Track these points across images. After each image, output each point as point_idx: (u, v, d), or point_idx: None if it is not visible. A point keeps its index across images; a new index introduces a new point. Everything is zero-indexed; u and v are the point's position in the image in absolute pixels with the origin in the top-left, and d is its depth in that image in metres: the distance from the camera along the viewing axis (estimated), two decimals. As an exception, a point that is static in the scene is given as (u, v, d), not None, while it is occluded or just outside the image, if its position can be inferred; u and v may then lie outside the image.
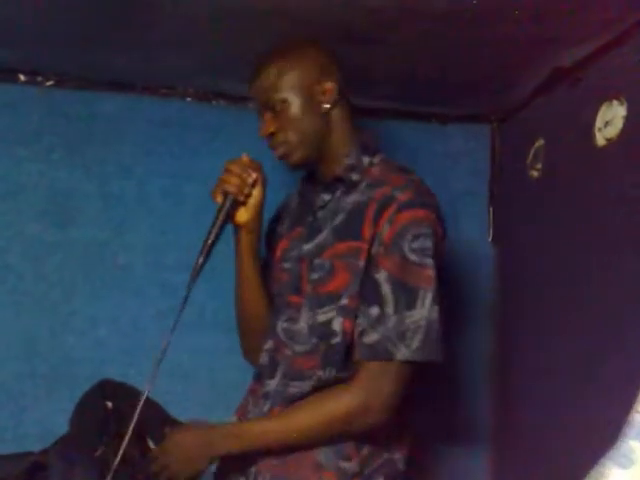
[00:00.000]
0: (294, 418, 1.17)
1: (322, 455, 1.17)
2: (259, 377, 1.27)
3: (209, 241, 1.22)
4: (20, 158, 1.66)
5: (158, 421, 1.20)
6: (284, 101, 1.23)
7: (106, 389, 1.19)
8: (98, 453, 1.16)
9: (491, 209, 1.86)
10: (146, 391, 1.15)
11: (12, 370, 1.61)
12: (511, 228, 1.80)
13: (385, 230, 1.17)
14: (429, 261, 1.17)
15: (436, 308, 1.16)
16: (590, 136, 1.42)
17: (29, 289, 1.64)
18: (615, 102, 1.37)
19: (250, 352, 1.37)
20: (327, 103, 1.25)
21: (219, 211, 1.24)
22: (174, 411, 1.51)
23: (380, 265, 1.17)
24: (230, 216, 1.25)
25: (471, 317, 1.84)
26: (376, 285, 1.16)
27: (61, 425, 1.26)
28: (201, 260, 1.21)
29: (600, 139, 1.41)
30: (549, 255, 1.60)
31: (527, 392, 1.65)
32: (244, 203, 1.25)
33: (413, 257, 1.16)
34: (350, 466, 1.16)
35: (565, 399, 1.47)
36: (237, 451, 1.18)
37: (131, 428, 1.11)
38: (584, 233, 1.46)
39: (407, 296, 1.15)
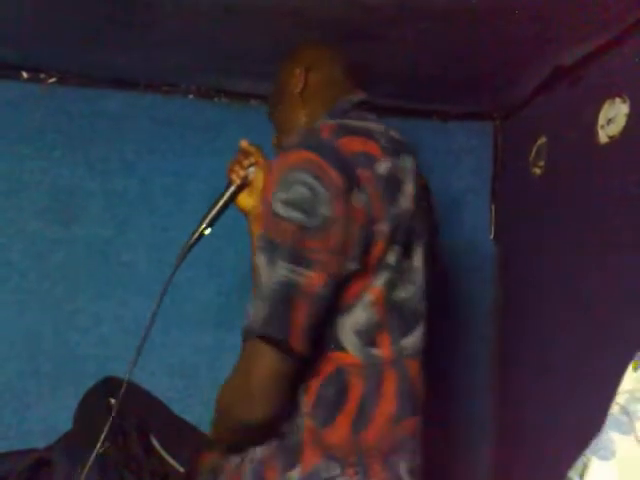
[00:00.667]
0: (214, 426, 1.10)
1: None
2: None
3: (203, 224, 1.22)
4: (23, 155, 1.66)
5: (161, 419, 1.20)
6: (277, 98, 1.28)
7: (110, 386, 1.19)
8: (101, 450, 1.17)
9: (493, 206, 1.87)
10: (127, 375, 1.13)
11: (16, 368, 1.61)
12: (513, 226, 1.80)
13: (266, 183, 1.02)
14: (296, 215, 0.95)
15: (290, 273, 0.95)
16: (592, 134, 1.42)
17: (32, 287, 1.64)
18: (618, 100, 1.37)
19: None
20: (297, 87, 1.22)
21: (219, 195, 1.25)
22: (176, 408, 1.52)
23: (260, 227, 1.00)
24: (232, 201, 1.25)
25: (472, 315, 1.84)
26: (257, 251, 0.99)
27: (65, 422, 1.27)
28: (191, 242, 1.21)
29: (602, 137, 1.41)
30: (551, 253, 1.60)
31: (528, 391, 1.66)
32: (244, 187, 1.24)
33: (280, 210, 0.96)
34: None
35: (566, 398, 1.47)
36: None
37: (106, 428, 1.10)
38: (586, 231, 1.46)
39: (267, 255, 0.96)
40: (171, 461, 1.28)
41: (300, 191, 0.96)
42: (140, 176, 1.71)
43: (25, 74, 1.66)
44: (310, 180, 0.96)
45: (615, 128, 1.37)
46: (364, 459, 1.02)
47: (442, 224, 1.72)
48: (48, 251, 1.66)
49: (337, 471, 1.01)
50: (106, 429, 1.09)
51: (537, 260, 1.66)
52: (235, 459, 1.07)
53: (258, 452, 1.04)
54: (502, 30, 1.41)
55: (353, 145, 1.02)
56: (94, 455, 1.08)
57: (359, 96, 1.22)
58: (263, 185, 1.09)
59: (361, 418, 1.02)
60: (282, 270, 0.95)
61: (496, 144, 1.87)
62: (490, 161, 1.87)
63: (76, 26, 1.44)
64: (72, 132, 1.69)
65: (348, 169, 0.99)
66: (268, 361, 0.97)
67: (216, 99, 1.75)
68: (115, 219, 1.69)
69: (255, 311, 0.97)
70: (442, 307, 1.78)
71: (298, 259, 0.96)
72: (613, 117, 1.38)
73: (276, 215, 0.97)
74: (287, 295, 0.95)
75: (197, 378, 1.68)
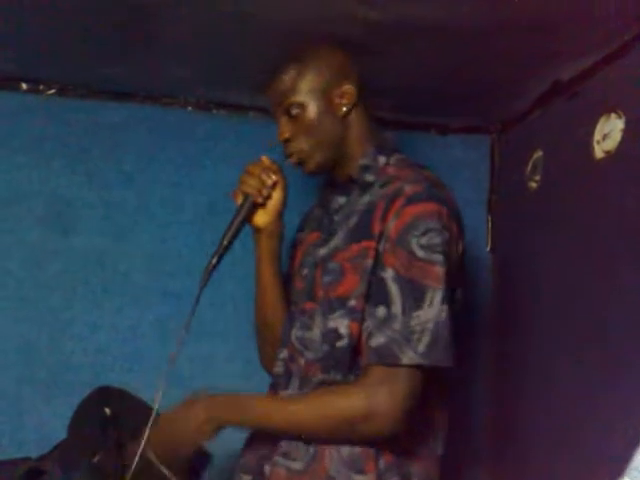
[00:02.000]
0: (296, 404, 1.12)
1: (333, 467, 1.11)
2: (275, 387, 1.23)
3: (225, 241, 1.20)
4: (21, 165, 1.67)
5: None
6: (301, 105, 1.20)
7: (105, 395, 1.19)
8: (96, 459, 1.16)
9: (490, 219, 1.87)
10: (156, 405, 1.15)
11: (11, 376, 1.61)
12: (510, 238, 1.81)
13: (392, 225, 1.11)
14: (438, 258, 1.09)
15: (445, 308, 1.08)
16: (588, 149, 1.44)
17: (29, 295, 1.64)
18: (613, 115, 1.38)
19: (266, 359, 1.32)
20: (345, 106, 1.21)
21: (238, 212, 1.22)
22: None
23: (386, 263, 1.10)
24: (248, 218, 1.23)
25: (469, 326, 1.85)
26: (383, 284, 1.10)
27: (60, 431, 1.26)
28: (215, 260, 1.19)
29: (598, 152, 1.42)
30: (547, 265, 1.60)
31: (525, 402, 1.66)
32: (263, 205, 1.23)
33: (421, 253, 1.09)
34: (364, 479, 1.10)
35: (563, 407, 1.48)
36: (236, 423, 1.13)
37: (142, 445, 1.10)
38: (582, 244, 1.47)
39: (414, 295, 1.08)
40: (166, 472, 1.28)
41: (436, 238, 1.11)
42: (138, 187, 1.72)
43: (25, 85, 1.68)
44: (440, 228, 1.11)
45: (611, 143, 1.38)
46: None
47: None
48: (45, 260, 1.66)
49: None
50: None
51: (533, 272, 1.67)
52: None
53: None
54: (500, 46, 1.42)
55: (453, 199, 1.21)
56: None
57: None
58: (393, 228, 1.12)
59: None
60: (442, 308, 1.09)
61: (493, 157, 1.88)
62: (487, 174, 1.88)
63: (76, 38, 1.45)
64: (71, 143, 1.70)
65: (460, 220, 1.21)
66: (419, 386, 1.09)
67: (215, 111, 1.76)
68: (112, 229, 1.69)
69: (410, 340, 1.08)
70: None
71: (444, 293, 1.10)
72: (609, 132, 1.39)
73: (416, 257, 1.10)
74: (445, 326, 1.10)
75: (192, 388, 1.67)
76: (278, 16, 1.31)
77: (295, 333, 1.20)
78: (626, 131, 1.35)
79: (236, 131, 1.74)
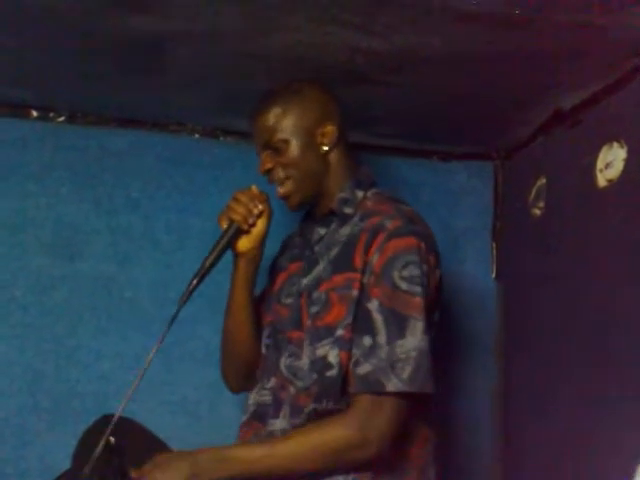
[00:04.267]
0: (282, 446, 1.15)
1: None
2: (262, 416, 1.26)
3: (207, 263, 1.25)
4: (29, 192, 1.68)
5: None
6: (284, 141, 1.28)
7: (109, 424, 1.19)
8: (101, 490, 1.16)
9: (494, 246, 1.88)
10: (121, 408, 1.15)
11: (15, 404, 1.61)
12: (514, 265, 1.81)
13: (375, 259, 1.19)
14: (418, 289, 1.17)
15: (426, 338, 1.16)
16: (591, 177, 1.45)
17: (34, 322, 1.65)
18: (615, 144, 1.39)
19: (229, 376, 1.41)
20: (327, 145, 1.29)
21: (222, 236, 1.27)
22: (177, 447, 1.50)
23: (371, 294, 1.18)
24: (232, 243, 1.29)
25: (474, 353, 1.84)
26: (368, 314, 1.17)
27: (63, 460, 1.25)
28: (195, 282, 1.24)
29: (601, 180, 1.43)
30: (551, 292, 1.60)
31: (530, 428, 1.65)
32: (248, 232, 1.28)
33: (403, 285, 1.17)
34: None
35: (568, 433, 1.47)
36: (225, 477, 1.14)
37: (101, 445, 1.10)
38: (586, 271, 1.47)
39: (397, 325, 1.15)
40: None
41: (415, 270, 1.18)
42: (144, 213, 1.73)
43: (35, 113, 1.70)
44: (419, 261, 1.18)
45: (613, 172, 1.39)
46: None
47: (444, 263, 1.75)
48: (51, 287, 1.66)
49: None
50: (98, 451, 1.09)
51: (538, 299, 1.67)
52: None
53: None
54: (502, 75, 1.44)
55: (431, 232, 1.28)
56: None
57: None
58: (377, 261, 1.19)
59: None
60: (424, 337, 1.16)
61: (497, 184, 1.89)
62: (491, 201, 1.88)
63: (87, 66, 1.48)
64: (79, 169, 1.71)
65: (436, 251, 1.26)
66: (405, 410, 1.15)
67: (222, 138, 1.78)
68: (118, 255, 1.70)
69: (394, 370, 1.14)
70: (444, 345, 1.78)
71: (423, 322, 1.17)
72: (611, 161, 1.40)
73: (399, 289, 1.16)
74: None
75: (198, 416, 1.67)
76: (281, 47, 1.34)
77: (284, 362, 1.25)
78: (628, 160, 1.36)
79: (242, 158, 1.75)
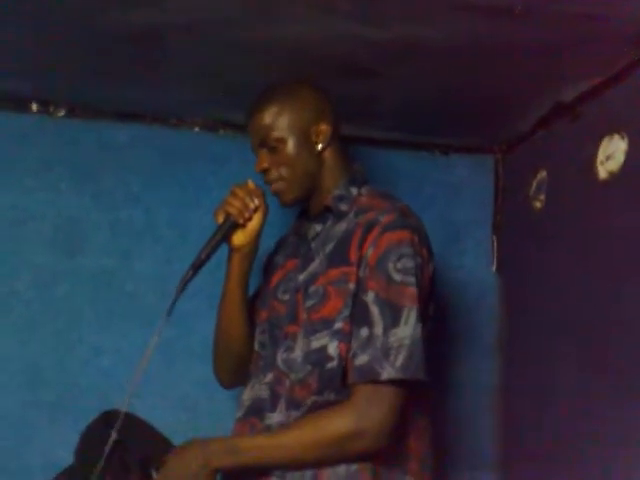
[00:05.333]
0: (287, 436, 1.18)
1: None
2: (258, 411, 1.27)
3: (202, 255, 1.27)
4: (30, 187, 1.68)
5: (164, 454, 1.20)
6: (280, 140, 1.30)
7: (112, 419, 1.19)
8: (103, 484, 1.16)
9: (495, 239, 1.88)
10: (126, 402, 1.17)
11: (16, 399, 1.61)
12: (515, 258, 1.81)
13: (370, 252, 1.21)
14: (412, 280, 1.20)
15: (420, 326, 1.19)
16: (592, 169, 1.44)
17: (36, 317, 1.65)
18: (616, 136, 1.39)
19: (221, 372, 1.43)
20: (321, 144, 1.31)
21: (218, 230, 1.29)
22: (177, 441, 1.50)
23: (367, 287, 1.20)
24: (227, 237, 1.30)
25: (475, 346, 1.84)
26: (365, 307, 1.20)
27: (66, 455, 1.26)
28: (190, 273, 1.26)
29: (602, 172, 1.43)
30: (552, 285, 1.60)
31: (531, 421, 1.65)
32: (243, 226, 1.30)
33: (397, 277, 1.20)
34: None
35: (569, 427, 1.47)
36: (234, 465, 1.19)
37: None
38: (587, 263, 1.47)
39: (392, 315, 1.18)
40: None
41: (409, 262, 1.20)
42: (145, 207, 1.72)
43: (35, 107, 1.69)
44: (413, 253, 1.21)
45: (614, 164, 1.39)
46: None
47: (444, 256, 1.75)
48: (52, 282, 1.66)
49: None
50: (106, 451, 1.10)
51: (539, 291, 1.67)
52: None
53: None
54: (503, 67, 1.44)
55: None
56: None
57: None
58: (372, 255, 1.21)
59: None
60: (417, 326, 1.18)
61: (497, 177, 1.89)
62: (491, 194, 1.88)
63: (87, 60, 1.47)
64: (79, 164, 1.71)
65: (429, 244, 1.28)
66: (402, 399, 1.17)
67: (221, 131, 1.78)
68: (119, 249, 1.70)
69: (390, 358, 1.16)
70: (444, 338, 1.79)
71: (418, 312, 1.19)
72: (612, 153, 1.40)
73: (393, 281, 1.19)
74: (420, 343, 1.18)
75: (199, 411, 1.67)
76: (281, 39, 1.34)
77: (280, 356, 1.26)
78: (629, 152, 1.36)
79: (243, 151, 1.73)
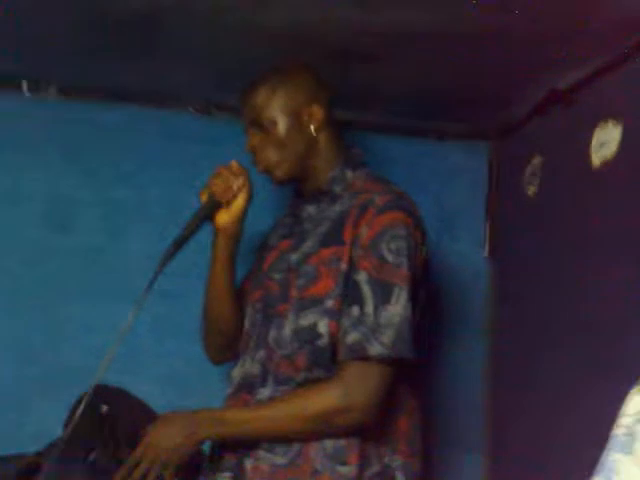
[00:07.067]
0: (274, 408, 1.20)
1: (319, 461, 1.18)
2: (250, 387, 1.28)
3: (185, 233, 1.28)
4: (21, 166, 1.67)
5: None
6: (272, 120, 1.30)
7: (102, 393, 1.20)
8: (92, 457, 1.17)
9: (488, 224, 1.88)
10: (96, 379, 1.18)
11: (7, 374, 1.61)
12: (507, 243, 1.82)
13: (364, 233, 1.22)
14: (404, 260, 1.21)
15: (409, 306, 1.20)
16: (586, 156, 1.45)
17: (26, 293, 1.65)
18: (610, 124, 1.39)
19: (212, 349, 1.44)
20: (313, 125, 1.31)
21: (200, 208, 1.30)
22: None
23: (360, 266, 1.21)
24: (211, 216, 1.31)
25: (466, 332, 1.85)
26: (356, 286, 1.21)
27: (57, 428, 1.27)
28: (172, 250, 1.27)
29: (595, 159, 1.43)
30: (545, 271, 1.61)
31: (521, 407, 1.66)
32: (227, 206, 1.31)
33: (390, 257, 1.21)
34: (347, 470, 1.18)
35: (560, 414, 1.48)
36: (219, 436, 1.21)
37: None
38: (579, 250, 1.48)
39: (383, 293, 1.19)
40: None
41: (403, 244, 1.21)
42: (137, 186, 1.72)
43: (26, 86, 1.68)
44: (406, 235, 1.22)
45: (608, 151, 1.40)
46: None
47: (438, 241, 1.75)
48: (44, 259, 1.66)
49: None
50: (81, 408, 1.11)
51: (531, 277, 1.67)
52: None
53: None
54: (498, 53, 1.44)
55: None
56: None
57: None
58: (366, 235, 1.22)
59: None
60: (407, 305, 1.19)
61: (491, 163, 1.89)
62: (485, 179, 1.88)
63: (79, 39, 1.46)
64: (71, 143, 1.70)
65: (423, 228, 1.29)
66: (391, 377, 1.18)
67: (215, 113, 1.77)
68: (111, 228, 1.70)
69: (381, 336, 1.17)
70: (435, 324, 1.79)
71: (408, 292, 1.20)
72: (606, 140, 1.40)
73: (386, 261, 1.19)
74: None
75: (189, 388, 1.67)
76: (278, 22, 1.33)
77: (271, 334, 1.27)
78: (623, 139, 1.36)
79: (235, 134, 1.72)
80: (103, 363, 1.17)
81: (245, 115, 1.34)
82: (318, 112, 1.31)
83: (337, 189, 1.30)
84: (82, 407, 1.09)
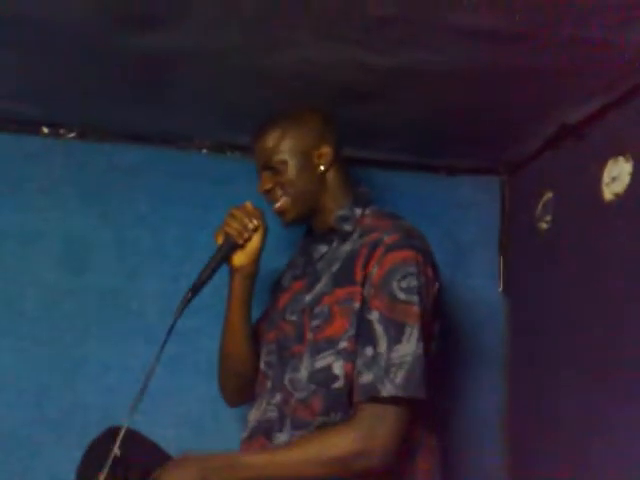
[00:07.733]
0: (289, 454, 1.17)
1: None
2: (267, 431, 1.27)
3: (202, 276, 1.30)
4: (39, 207, 1.70)
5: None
6: (283, 162, 1.34)
7: (115, 436, 1.19)
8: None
9: (501, 259, 1.87)
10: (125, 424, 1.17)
11: (22, 416, 1.61)
12: (521, 278, 1.81)
13: (374, 272, 1.23)
14: (415, 298, 1.21)
15: (421, 345, 1.19)
16: (598, 191, 1.45)
17: (42, 335, 1.66)
18: (621, 159, 1.39)
19: (226, 391, 1.45)
20: (323, 166, 1.34)
21: (217, 251, 1.32)
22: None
23: (372, 306, 1.21)
24: (228, 258, 1.33)
25: (481, 367, 1.83)
26: (369, 326, 1.21)
27: (71, 472, 1.26)
28: (190, 294, 1.28)
29: (607, 194, 1.43)
30: (559, 306, 1.60)
31: (538, 443, 1.63)
32: (243, 247, 1.32)
33: (401, 296, 1.21)
34: None
35: (575, 449, 1.46)
36: None
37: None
38: (593, 285, 1.47)
39: (395, 332, 1.19)
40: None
41: (414, 281, 1.21)
42: (152, 227, 1.74)
43: (46, 129, 1.72)
44: (417, 272, 1.22)
45: (619, 186, 1.40)
46: None
47: (451, 277, 1.75)
48: (60, 300, 1.68)
49: None
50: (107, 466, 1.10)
51: (545, 312, 1.66)
52: None
53: None
54: (507, 90, 1.45)
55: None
56: None
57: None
58: (376, 274, 1.22)
59: None
60: (419, 344, 1.19)
61: (503, 198, 1.89)
62: (497, 215, 1.88)
63: (97, 83, 1.50)
64: (88, 184, 1.73)
65: (434, 263, 1.30)
66: (406, 417, 1.17)
67: (228, 153, 1.80)
68: (126, 268, 1.71)
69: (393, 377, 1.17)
70: (451, 360, 1.78)
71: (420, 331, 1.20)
72: (617, 175, 1.40)
73: (398, 299, 1.20)
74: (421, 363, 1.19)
75: (202, 428, 1.67)
76: (286, 64, 1.36)
77: (287, 377, 1.27)
78: (634, 174, 1.36)
79: (248, 172, 1.75)
80: (129, 411, 1.17)
81: (257, 159, 1.37)
82: (327, 152, 1.34)
83: (347, 227, 1.32)
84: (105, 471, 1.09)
